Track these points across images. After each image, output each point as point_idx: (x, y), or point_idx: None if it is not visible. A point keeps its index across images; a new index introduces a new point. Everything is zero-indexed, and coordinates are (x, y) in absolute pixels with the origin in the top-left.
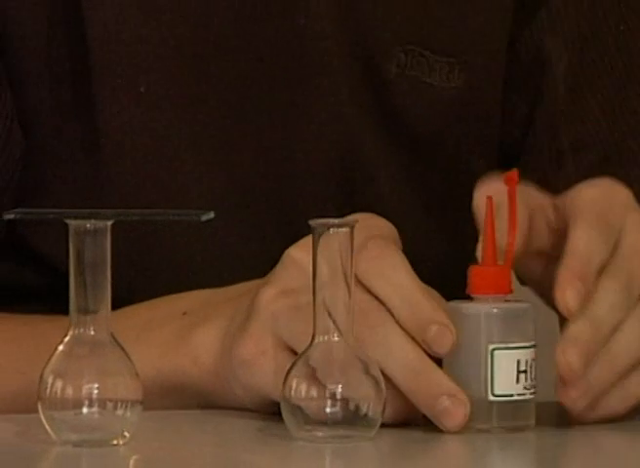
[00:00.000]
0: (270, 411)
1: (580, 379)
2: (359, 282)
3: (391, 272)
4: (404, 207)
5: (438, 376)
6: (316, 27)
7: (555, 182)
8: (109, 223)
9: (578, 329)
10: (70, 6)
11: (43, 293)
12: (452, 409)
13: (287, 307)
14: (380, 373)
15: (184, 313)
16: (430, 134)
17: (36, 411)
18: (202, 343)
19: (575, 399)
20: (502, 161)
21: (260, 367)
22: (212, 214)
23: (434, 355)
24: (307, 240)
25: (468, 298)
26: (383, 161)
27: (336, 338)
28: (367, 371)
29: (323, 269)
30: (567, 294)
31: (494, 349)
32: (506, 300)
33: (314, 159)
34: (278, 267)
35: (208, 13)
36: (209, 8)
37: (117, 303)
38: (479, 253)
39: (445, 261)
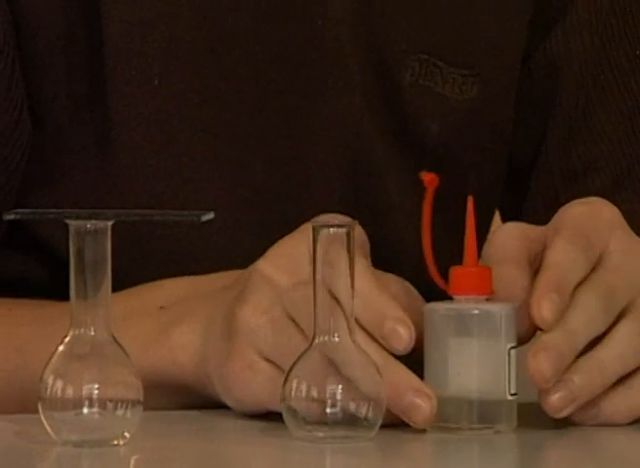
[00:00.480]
0: (260, 414)
1: (565, 387)
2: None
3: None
4: (411, 213)
5: (402, 373)
6: (332, 31)
7: (565, 202)
8: (110, 223)
9: (551, 336)
10: None
11: (45, 284)
12: (419, 403)
13: (264, 323)
14: (380, 373)
15: (161, 307)
16: (440, 144)
17: (31, 391)
18: (180, 345)
19: (556, 405)
20: (511, 176)
21: (251, 379)
22: (212, 215)
23: (394, 351)
24: (275, 252)
25: (449, 299)
26: (392, 167)
27: (336, 339)
28: (367, 372)
29: (323, 269)
30: (543, 306)
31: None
32: (487, 301)
33: (323, 161)
34: (249, 283)
35: (225, 9)
36: (226, 5)
37: None
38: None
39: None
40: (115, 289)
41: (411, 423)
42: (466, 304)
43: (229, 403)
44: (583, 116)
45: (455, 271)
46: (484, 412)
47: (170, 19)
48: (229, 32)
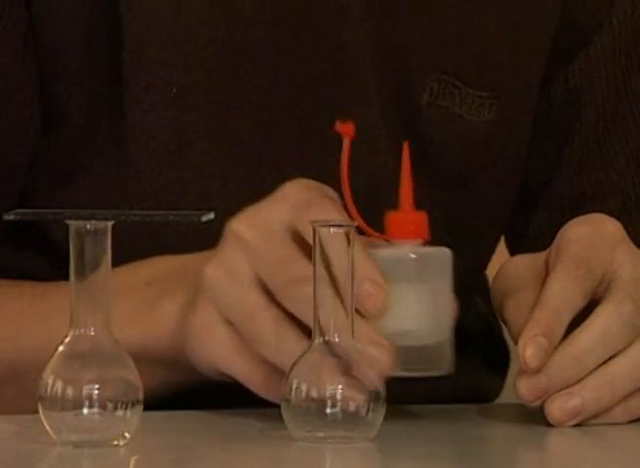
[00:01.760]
0: (229, 381)
1: (572, 402)
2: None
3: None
4: None
5: (359, 263)
6: (352, 45)
7: None
8: (110, 224)
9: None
10: (109, 4)
11: (44, 276)
12: (373, 291)
13: (223, 280)
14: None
15: (149, 283)
16: (455, 164)
17: (22, 381)
18: (162, 317)
19: (560, 418)
20: (522, 199)
21: (208, 338)
22: (212, 216)
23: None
24: (249, 212)
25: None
26: None
27: (336, 339)
28: (367, 372)
29: (323, 269)
30: (527, 351)
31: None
32: (424, 245)
33: (338, 174)
34: (221, 242)
35: (246, 21)
36: (247, 16)
37: None
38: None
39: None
40: None
41: (363, 312)
42: (404, 249)
43: (195, 365)
44: (599, 145)
45: (391, 216)
46: (422, 356)
47: (190, 29)
48: (249, 44)
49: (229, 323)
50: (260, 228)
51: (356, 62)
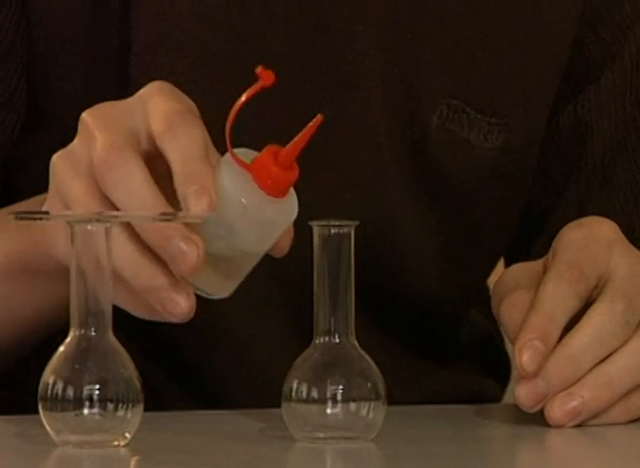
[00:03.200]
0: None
1: (571, 402)
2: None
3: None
4: (423, 252)
5: (175, 225)
6: (362, 63)
7: None
8: (110, 225)
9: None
10: (118, 7)
11: None
12: (186, 249)
13: (62, 167)
14: (380, 375)
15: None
16: (459, 188)
17: None
18: (43, 226)
19: (560, 419)
20: (524, 225)
21: (54, 231)
22: (212, 216)
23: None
24: (106, 104)
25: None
26: (409, 205)
27: (336, 339)
28: (367, 373)
29: (323, 270)
30: (524, 354)
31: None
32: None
33: (340, 192)
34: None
35: (255, 33)
36: (257, 29)
37: None
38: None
39: (458, 308)
40: None
41: (176, 271)
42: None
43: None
44: (605, 177)
45: (265, 157)
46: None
47: (200, 38)
48: (258, 55)
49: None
50: (109, 121)
51: (365, 77)
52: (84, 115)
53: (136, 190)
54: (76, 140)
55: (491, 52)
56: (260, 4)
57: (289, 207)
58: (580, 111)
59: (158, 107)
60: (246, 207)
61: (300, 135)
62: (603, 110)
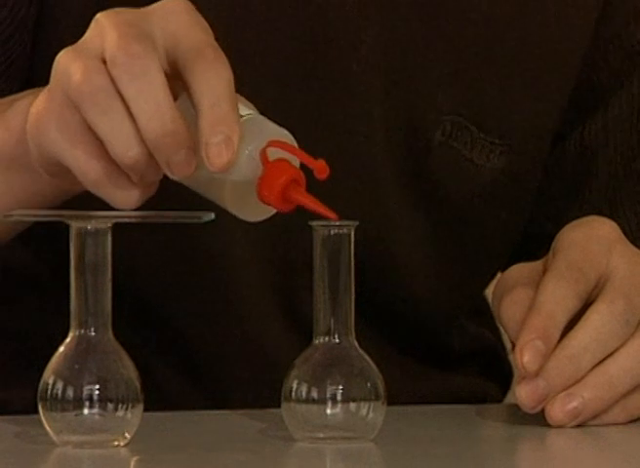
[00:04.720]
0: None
1: (572, 402)
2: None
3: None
4: (421, 268)
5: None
6: (365, 75)
7: None
8: (110, 224)
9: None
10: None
11: (48, 277)
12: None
13: (71, 59)
14: (380, 375)
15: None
16: (459, 205)
17: None
18: (14, 112)
19: (561, 418)
20: (525, 245)
21: (47, 122)
22: (212, 216)
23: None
24: (125, 9)
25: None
26: (406, 220)
27: (336, 339)
28: (367, 373)
29: (323, 270)
30: (525, 354)
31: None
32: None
33: (337, 199)
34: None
35: (257, 40)
36: (258, 37)
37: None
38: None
39: (452, 318)
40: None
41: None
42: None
43: (32, 161)
44: (608, 202)
45: (287, 174)
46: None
47: None
48: (261, 62)
49: (75, 108)
50: (126, 20)
51: (367, 89)
52: (98, 15)
53: (153, 92)
54: (87, 34)
55: (499, 73)
56: (264, 17)
57: (259, 213)
58: (587, 137)
59: (184, 31)
60: (235, 182)
61: (312, 200)
62: (609, 137)
